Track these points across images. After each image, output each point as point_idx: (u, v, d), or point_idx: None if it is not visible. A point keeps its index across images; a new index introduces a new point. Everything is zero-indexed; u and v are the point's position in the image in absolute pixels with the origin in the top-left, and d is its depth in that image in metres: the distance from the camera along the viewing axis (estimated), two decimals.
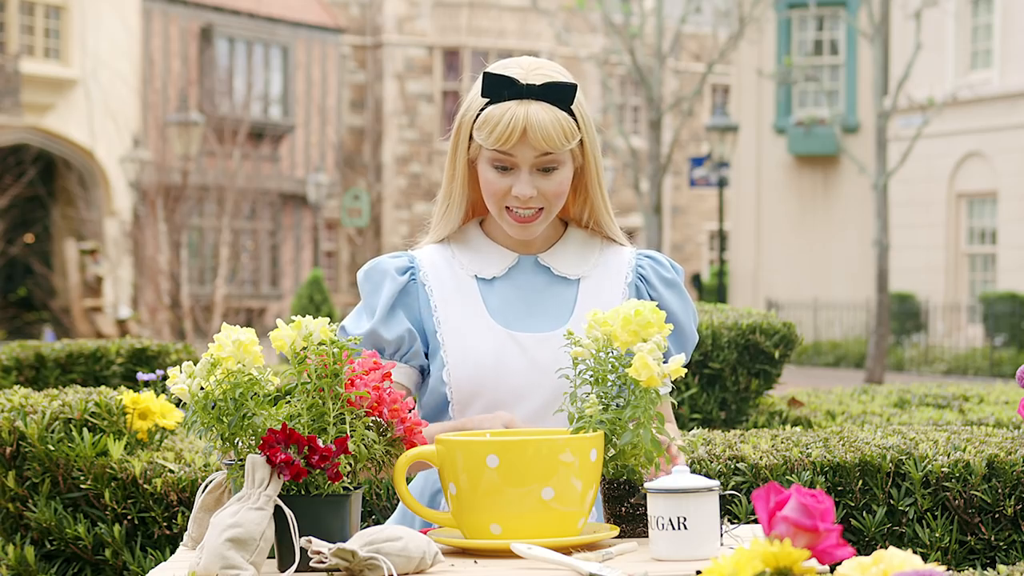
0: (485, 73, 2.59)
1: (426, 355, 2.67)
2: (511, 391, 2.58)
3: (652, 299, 2.67)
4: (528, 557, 2.11)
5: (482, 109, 2.60)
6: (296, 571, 2.11)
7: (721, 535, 2.20)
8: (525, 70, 2.60)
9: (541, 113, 2.57)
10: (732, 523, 2.70)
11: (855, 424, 4.61)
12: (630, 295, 2.68)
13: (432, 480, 2.65)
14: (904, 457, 3.11)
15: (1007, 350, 24.80)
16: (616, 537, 2.34)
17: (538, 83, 2.57)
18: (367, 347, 2.63)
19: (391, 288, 2.65)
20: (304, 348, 2.20)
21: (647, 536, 2.27)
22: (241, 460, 2.19)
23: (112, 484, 3.48)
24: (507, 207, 2.62)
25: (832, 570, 1.82)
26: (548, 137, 2.56)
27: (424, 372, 2.67)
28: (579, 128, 2.61)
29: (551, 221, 2.70)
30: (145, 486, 3.45)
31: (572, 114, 2.60)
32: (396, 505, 3.40)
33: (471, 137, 2.63)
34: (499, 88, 2.58)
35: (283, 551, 2.14)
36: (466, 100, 2.66)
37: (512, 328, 2.63)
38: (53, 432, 3.53)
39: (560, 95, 2.58)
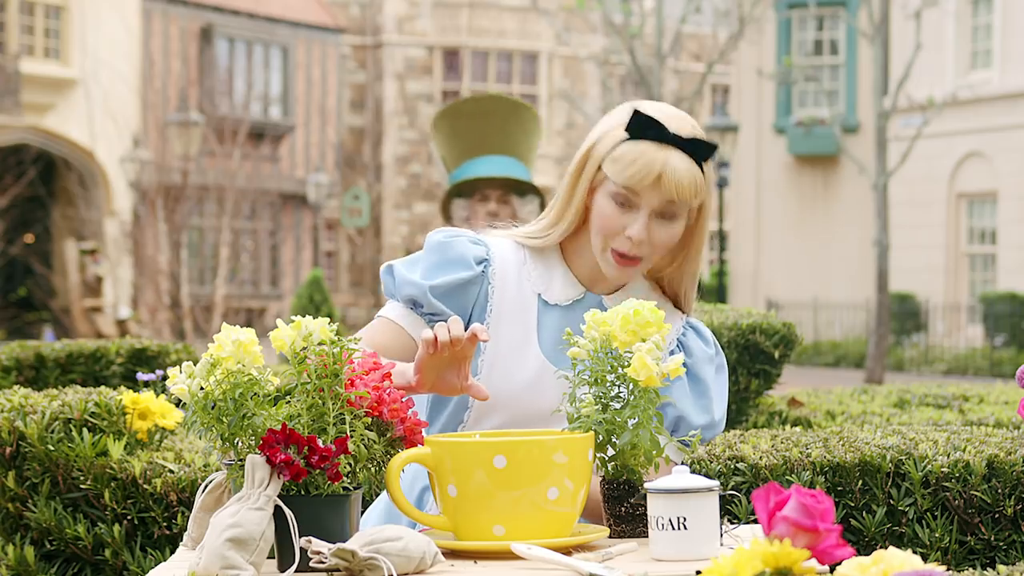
0: (635, 111, 2.55)
1: None
2: (530, 417, 2.56)
3: (686, 367, 2.57)
4: (528, 557, 2.11)
5: (619, 143, 2.56)
6: (296, 571, 2.11)
7: (721, 535, 2.20)
8: (670, 117, 2.56)
9: (680, 163, 2.53)
10: (732, 523, 2.70)
11: (855, 424, 4.61)
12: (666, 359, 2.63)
13: (423, 473, 2.62)
14: (904, 457, 3.11)
15: (1007, 350, 24.82)
16: (616, 537, 2.34)
17: (684, 135, 2.54)
18: (406, 291, 2.61)
19: (460, 275, 2.62)
20: (304, 348, 2.20)
21: (647, 536, 2.27)
22: (241, 460, 2.19)
23: (112, 484, 3.48)
24: (613, 249, 2.58)
25: (832, 570, 1.82)
26: (681, 187, 2.53)
27: None
28: (706, 191, 2.59)
29: None
30: (145, 486, 3.45)
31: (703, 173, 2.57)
32: None
33: (599, 167, 2.59)
34: (644, 128, 2.54)
35: (283, 551, 2.14)
36: (605, 123, 2.62)
37: (554, 361, 2.59)
38: (53, 432, 3.53)
39: (701, 151, 2.55)
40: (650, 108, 2.58)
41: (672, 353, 2.64)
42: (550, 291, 2.65)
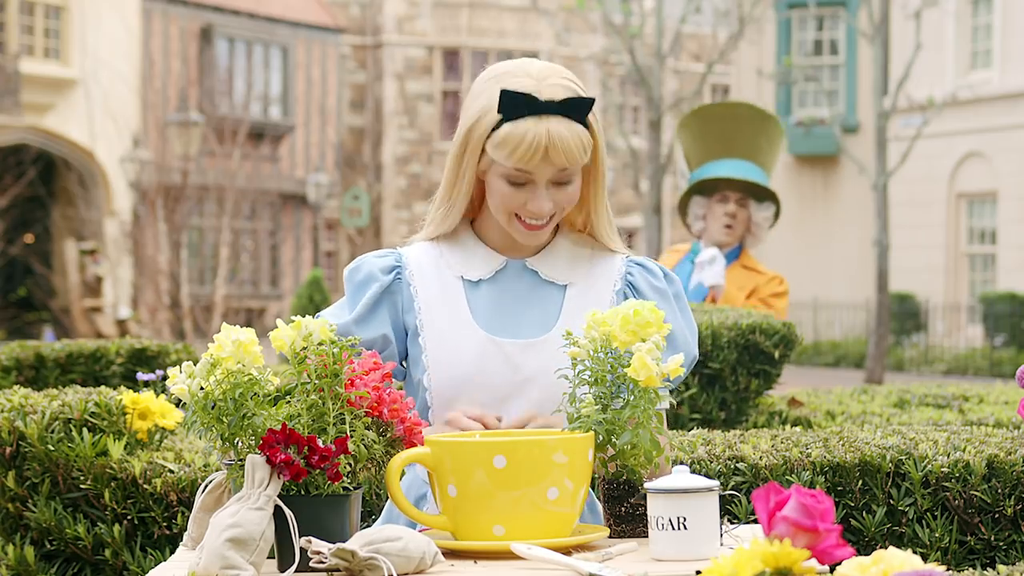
0: (502, 91, 2.51)
1: (405, 358, 2.67)
2: (491, 398, 2.55)
3: None
4: (528, 557, 2.11)
5: (497, 125, 2.54)
6: (296, 571, 2.11)
7: (721, 535, 2.20)
8: (538, 81, 2.53)
9: (562, 130, 2.52)
10: (732, 523, 2.70)
11: (855, 424, 4.61)
12: (618, 303, 2.62)
13: (418, 482, 2.63)
14: (904, 457, 3.11)
15: (1007, 350, 24.81)
16: (616, 537, 2.34)
17: (557, 99, 2.52)
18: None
19: (374, 289, 2.64)
20: (304, 348, 2.20)
21: (647, 536, 2.27)
22: (241, 460, 2.19)
23: (112, 484, 3.48)
24: (517, 215, 2.59)
25: (832, 570, 1.82)
26: (570, 154, 2.53)
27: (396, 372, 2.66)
28: (593, 137, 2.58)
29: None
30: (145, 486, 3.45)
31: (587, 124, 2.56)
32: None
33: (483, 150, 2.58)
34: (518, 107, 2.52)
35: (283, 551, 2.14)
36: (474, 107, 2.58)
37: (495, 334, 2.60)
38: (53, 432, 3.53)
39: (578, 109, 2.54)
40: (515, 81, 2.54)
41: (625, 294, 2.66)
42: (472, 270, 2.66)
